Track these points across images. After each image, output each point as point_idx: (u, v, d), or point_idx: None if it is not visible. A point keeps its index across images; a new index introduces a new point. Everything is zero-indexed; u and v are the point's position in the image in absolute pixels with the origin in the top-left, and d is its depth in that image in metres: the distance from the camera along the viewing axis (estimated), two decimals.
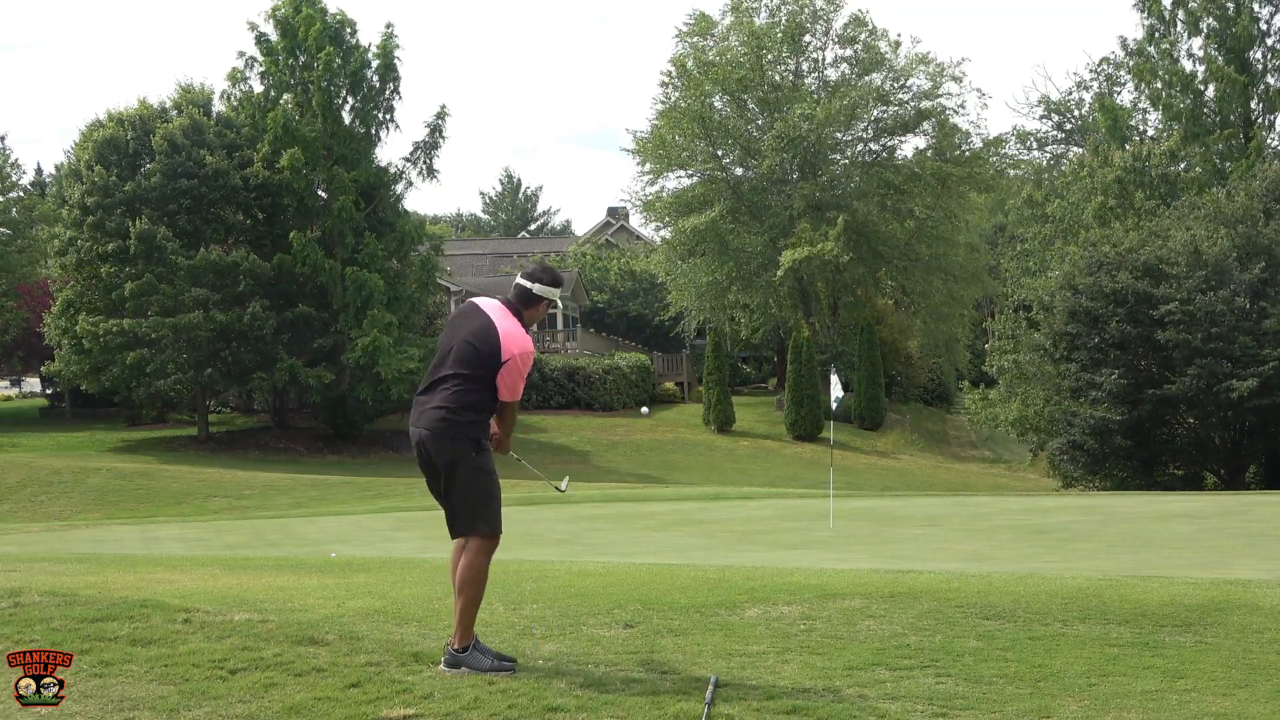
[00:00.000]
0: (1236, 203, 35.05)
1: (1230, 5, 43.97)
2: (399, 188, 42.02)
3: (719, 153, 52.18)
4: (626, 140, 60.08)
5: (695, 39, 52.77)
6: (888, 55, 51.91)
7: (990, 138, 54.71)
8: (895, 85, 52.08)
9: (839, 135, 51.50)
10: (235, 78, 40.50)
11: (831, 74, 53.30)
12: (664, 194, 53.09)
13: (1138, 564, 10.53)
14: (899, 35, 56.64)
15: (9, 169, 53.13)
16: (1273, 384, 31.34)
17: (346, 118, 40.36)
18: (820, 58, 53.40)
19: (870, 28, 52.23)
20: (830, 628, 6.89)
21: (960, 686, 5.54)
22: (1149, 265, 33.23)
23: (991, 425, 43.00)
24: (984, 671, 5.79)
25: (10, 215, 52.35)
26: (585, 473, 37.05)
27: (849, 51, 52.80)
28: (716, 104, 51.90)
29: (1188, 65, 45.40)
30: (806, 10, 52.15)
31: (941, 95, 51.77)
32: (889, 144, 53.84)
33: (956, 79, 51.55)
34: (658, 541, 15.12)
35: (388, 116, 40.86)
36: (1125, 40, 47.42)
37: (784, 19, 52.16)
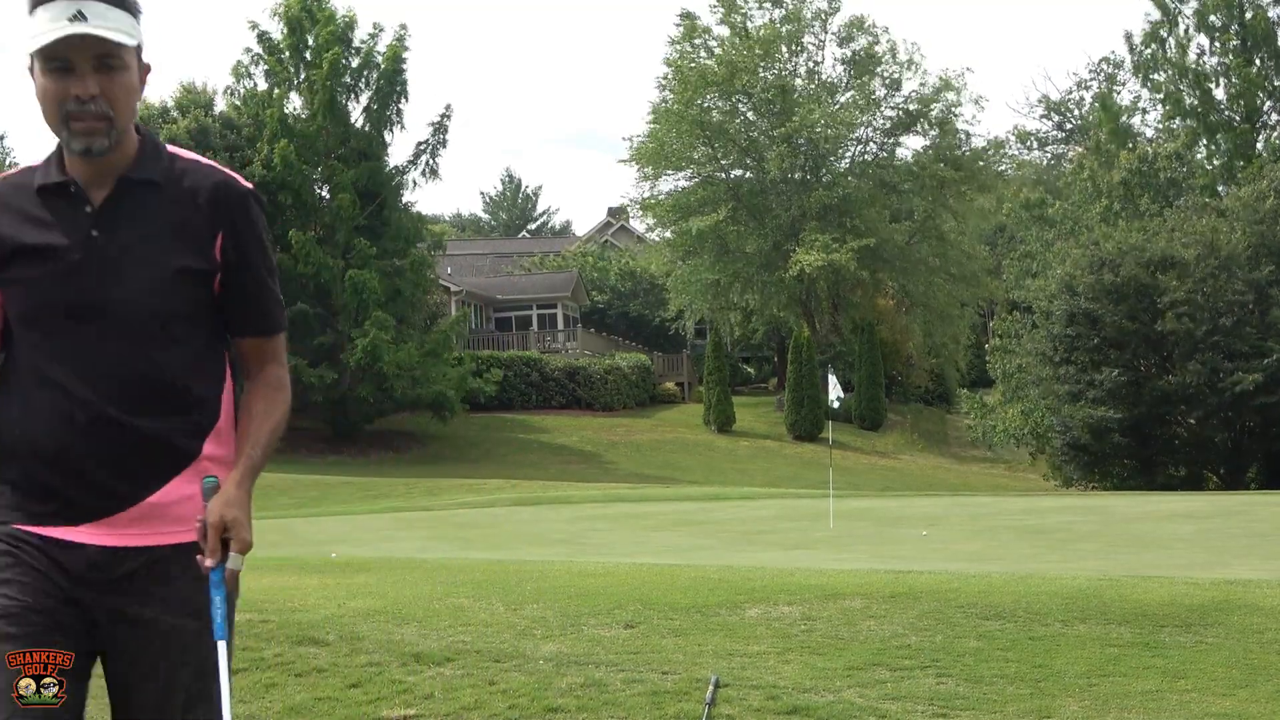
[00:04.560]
0: (1240, 201, 35.06)
1: (1239, 2, 43.93)
2: (403, 189, 41.95)
3: (718, 155, 52.15)
4: (629, 137, 59.83)
5: (687, 43, 52.57)
6: (885, 59, 51.86)
7: (991, 141, 54.86)
8: (893, 89, 52.11)
9: (843, 137, 51.41)
10: (239, 73, 40.49)
11: (831, 75, 53.32)
12: (663, 196, 53.02)
13: (1138, 564, 10.52)
14: (898, 39, 56.39)
15: (7, 170, 53.17)
16: (1276, 378, 31.34)
17: (357, 119, 40.28)
18: (820, 58, 53.41)
19: (868, 27, 52.18)
20: (831, 628, 6.89)
21: (961, 687, 5.54)
22: (1152, 259, 33.21)
23: (990, 435, 42.98)
24: (984, 672, 5.79)
25: None
26: (586, 473, 37.05)
27: (847, 51, 52.78)
28: (712, 104, 51.73)
29: (1193, 60, 45.32)
30: (806, 10, 52.09)
31: (939, 103, 51.71)
32: (888, 145, 53.89)
33: (955, 88, 51.52)
34: (658, 541, 15.11)
35: (396, 117, 40.85)
36: (1130, 35, 47.27)
37: (780, 19, 52.06)
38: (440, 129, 41.90)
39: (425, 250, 42.25)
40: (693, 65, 51.16)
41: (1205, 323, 31.82)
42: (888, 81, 52.01)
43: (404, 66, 40.49)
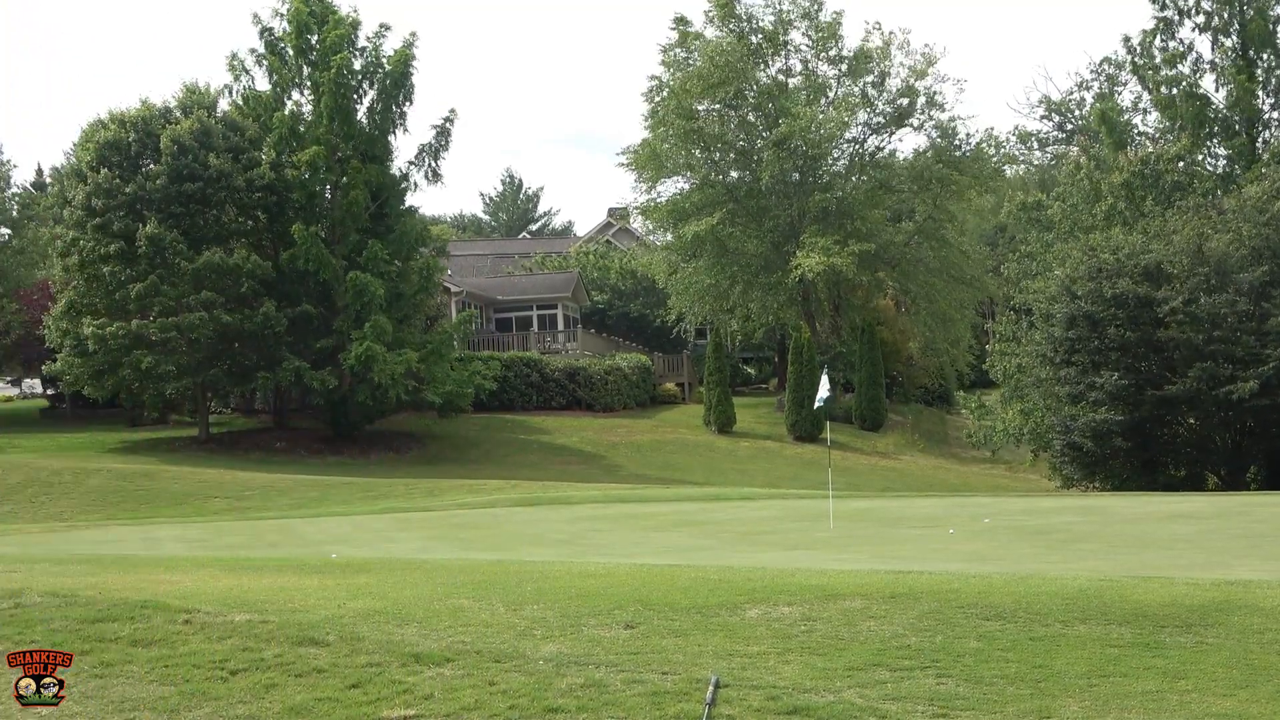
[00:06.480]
0: (1248, 202, 35.02)
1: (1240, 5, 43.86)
2: (404, 191, 41.87)
3: (715, 157, 52.12)
4: (630, 137, 59.13)
5: (677, 50, 52.42)
6: (875, 53, 51.78)
7: (987, 135, 54.86)
8: (878, 83, 52.08)
9: (835, 137, 51.34)
10: (235, 69, 40.35)
11: (821, 74, 53.24)
12: (661, 200, 52.97)
13: (1138, 564, 10.52)
14: (890, 31, 56.38)
15: (6, 169, 53.09)
16: (1273, 384, 31.33)
17: (360, 119, 40.20)
18: (809, 58, 53.34)
19: (840, 29, 52.15)
20: (831, 628, 6.89)
21: (961, 687, 5.54)
22: (1148, 269, 33.23)
23: (991, 436, 42.96)
24: (984, 672, 5.79)
25: (11, 216, 52.38)
26: (586, 473, 37.03)
27: (834, 51, 52.70)
28: (704, 109, 51.53)
29: (1189, 66, 45.25)
30: (794, 9, 52.03)
31: (921, 92, 51.64)
32: (881, 143, 53.87)
33: (920, 72, 51.35)
34: (658, 542, 15.11)
35: (400, 120, 40.79)
36: (1128, 38, 47.16)
37: (768, 19, 52.03)
38: (443, 133, 41.84)
39: (430, 255, 42.20)
40: (687, 70, 51.07)
41: (1203, 330, 31.78)
42: (876, 75, 52.00)
43: (412, 70, 40.47)
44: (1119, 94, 53.67)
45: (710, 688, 5.40)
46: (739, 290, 51.47)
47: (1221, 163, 45.51)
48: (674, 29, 52.41)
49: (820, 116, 48.58)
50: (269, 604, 7.77)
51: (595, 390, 48.49)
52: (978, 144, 53.21)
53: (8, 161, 56.35)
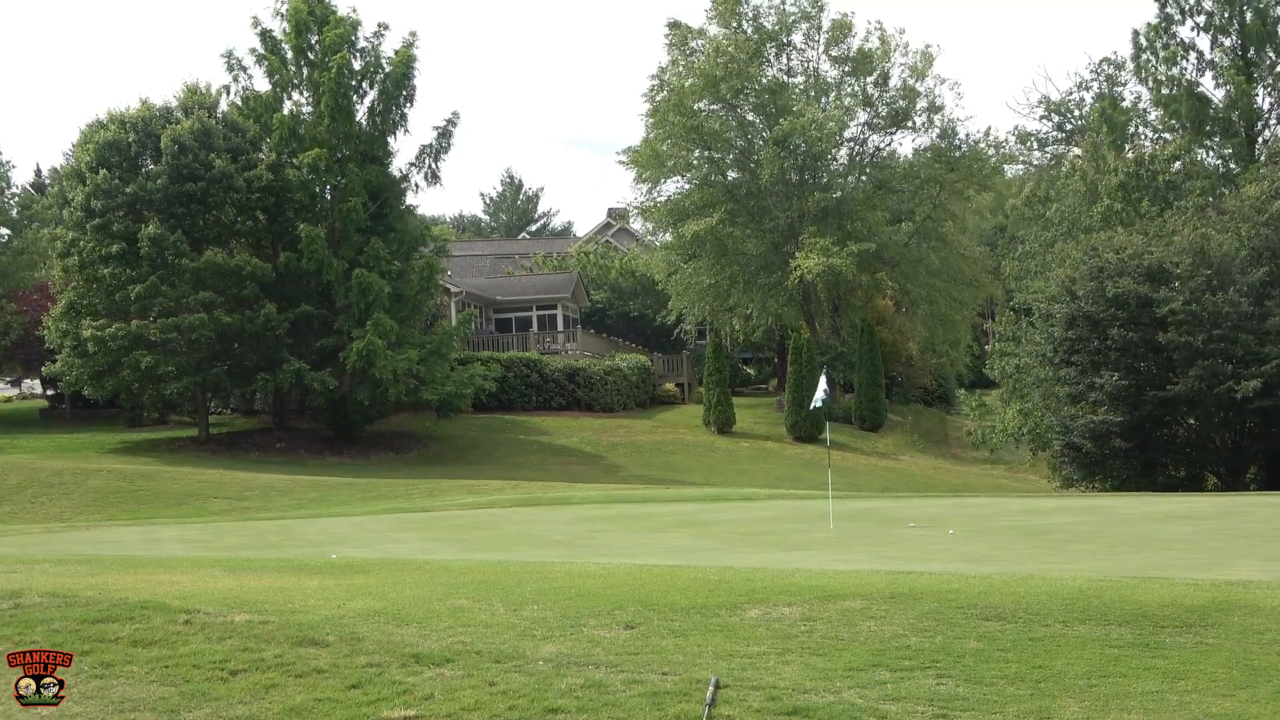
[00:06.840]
0: (1247, 202, 35.03)
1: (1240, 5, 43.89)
2: (404, 191, 41.85)
3: (715, 157, 52.10)
4: (630, 138, 59.29)
5: (677, 51, 52.41)
6: (876, 54, 51.79)
7: (986, 136, 54.85)
8: (879, 83, 52.08)
9: (834, 135, 51.34)
10: (233, 67, 40.30)
11: (824, 73, 53.26)
12: (661, 200, 52.95)
13: (1138, 565, 10.53)
14: (890, 31, 56.33)
15: (6, 169, 53.09)
16: (1274, 383, 31.33)
17: (360, 119, 40.16)
18: (812, 57, 53.34)
19: (853, 29, 52.23)
20: (831, 629, 6.89)
21: (961, 687, 5.54)
22: (1151, 269, 33.22)
23: (990, 436, 42.95)
24: (984, 672, 5.79)
25: (10, 216, 52.40)
26: (586, 474, 37.04)
27: (836, 51, 52.70)
28: (705, 107, 51.53)
29: (1191, 66, 45.26)
30: (795, 10, 52.05)
31: (923, 91, 51.69)
32: (881, 143, 53.90)
33: (920, 72, 51.35)
34: (658, 543, 15.11)
35: (400, 121, 40.74)
36: (1137, 33, 47.06)
37: (771, 20, 52.03)
38: (445, 134, 41.78)
39: (430, 255, 42.16)
40: (689, 66, 51.04)
41: (1204, 331, 31.78)
42: (878, 76, 51.98)
43: (414, 70, 40.41)
44: (1119, 94, 53.66)
45: (710, 688, 5.40)
46: (739, 290, 51.48)
47: (1219, 162, 45.53)
48: (669, 34, 52.45)
49: (820, 115, 48.56)
50: (269, 604, 7.77)
51: (595, 390, 48.49)
52: (975, 144, 53.24)
53: (7, 162, 56.53)
